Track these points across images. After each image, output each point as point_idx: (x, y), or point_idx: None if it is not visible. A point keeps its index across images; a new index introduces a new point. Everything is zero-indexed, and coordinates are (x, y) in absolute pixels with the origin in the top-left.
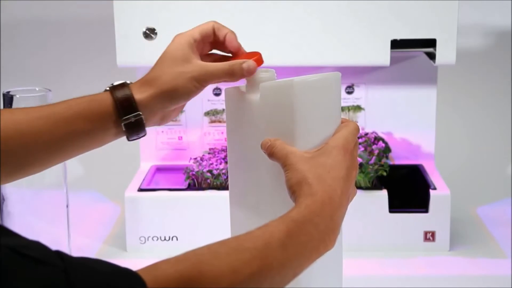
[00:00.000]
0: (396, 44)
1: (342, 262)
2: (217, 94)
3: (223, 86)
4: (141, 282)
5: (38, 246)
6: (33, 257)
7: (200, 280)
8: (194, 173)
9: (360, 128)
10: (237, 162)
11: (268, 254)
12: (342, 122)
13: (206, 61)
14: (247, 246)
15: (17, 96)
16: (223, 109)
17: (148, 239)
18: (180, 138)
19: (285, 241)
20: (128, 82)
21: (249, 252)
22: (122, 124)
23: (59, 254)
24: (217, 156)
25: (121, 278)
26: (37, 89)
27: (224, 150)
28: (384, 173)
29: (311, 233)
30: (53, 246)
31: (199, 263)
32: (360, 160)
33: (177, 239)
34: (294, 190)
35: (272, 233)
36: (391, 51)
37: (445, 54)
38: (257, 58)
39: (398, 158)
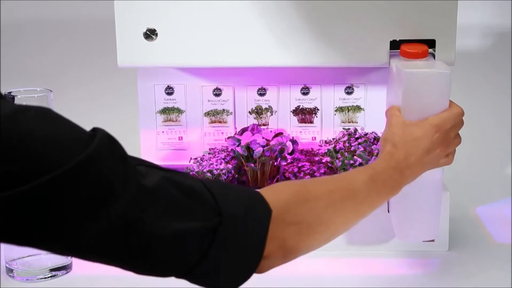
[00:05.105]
0: (396, 45)
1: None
2: (217, 95)
3: (223, 86)
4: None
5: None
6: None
7: (307, 194)
8: (194, 173)
9: (360, 128)
10: None
11: (354, 186)
12: (450, 106)
13: None
14: (338, 177)
15: (19, 96)
16: (223, 109)
17: None
18: (181, 138)
19: (367, 180)
20: None
21: (341, 182)
22: None
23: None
24: (217, 156)
25: (249, 193)
26: (38, 89)
27: (224, 150)
28: None
29: (385, 180)
30: None
31: (306, 183)
32: (359, 160)
33: None
34: (382, 144)
35: (358, 174)
36: (390, 52)
37: (444, 55)
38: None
39: None
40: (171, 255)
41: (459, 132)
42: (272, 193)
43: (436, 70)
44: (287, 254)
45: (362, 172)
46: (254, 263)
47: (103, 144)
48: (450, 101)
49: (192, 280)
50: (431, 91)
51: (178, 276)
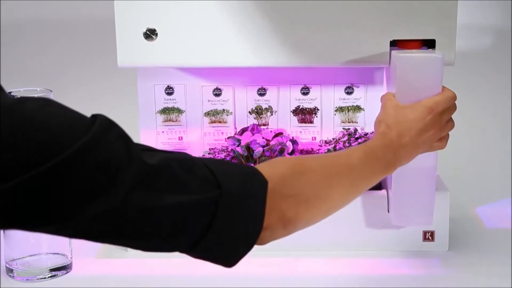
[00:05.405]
0: (396, 45)
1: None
2: (217, 95)
3: (223, 86)
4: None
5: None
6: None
7: (303, 167)
8: None
9: (360, 128)
10: None
11: (349, 161)
12: (442, 90)
13: None
14: (333, 154)
15: (18, 96)
16: (223, 109)
17: None
18: (181, 138)
19: (361, 156)
20: None
21: (336, 157)
22: None
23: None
24: (217, 156)
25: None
26: (38, 89)
27: (224, 150)
28: None
29: (379, 157)
30: (54, 245)
31: (302, 158)
32: None
33: None
34: (376, 126)
35: (353, 151)
36: (390, 51)
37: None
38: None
39: None
40: (175, 229)
41: (452, 117)
42: (268, 167)
43: (429, 55)
44: (287, 225)
45: (356, 150)
46: (255, 234)
47: (102, 129)
48: (443, 86)
49: (195, 255)
50: (424, 75)
51: (182, 251)
